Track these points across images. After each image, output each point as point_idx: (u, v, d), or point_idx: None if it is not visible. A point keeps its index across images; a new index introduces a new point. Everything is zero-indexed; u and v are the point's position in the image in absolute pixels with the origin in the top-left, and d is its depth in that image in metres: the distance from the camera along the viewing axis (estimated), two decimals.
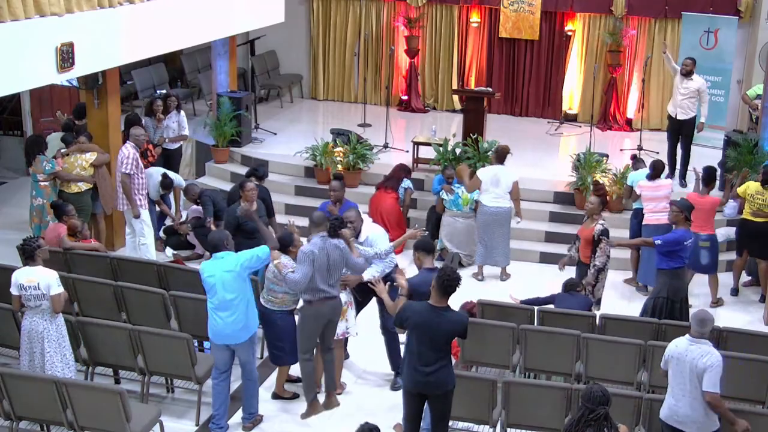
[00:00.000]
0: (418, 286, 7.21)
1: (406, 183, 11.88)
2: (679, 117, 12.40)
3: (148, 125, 11.69)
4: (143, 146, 10.70)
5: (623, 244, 9.94)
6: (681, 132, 12.46)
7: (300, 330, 7.70)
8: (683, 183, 12.30)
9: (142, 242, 10.39)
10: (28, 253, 7.32)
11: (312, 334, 7.64)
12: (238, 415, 7.84)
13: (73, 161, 10.54)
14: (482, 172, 10.79)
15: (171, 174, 11.24)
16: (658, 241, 8.73)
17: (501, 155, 10.86)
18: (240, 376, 8.00)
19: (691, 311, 8.84)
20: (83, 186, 10.63)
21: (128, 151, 10.23)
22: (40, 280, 7.16)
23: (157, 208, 11.14)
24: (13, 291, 7.29)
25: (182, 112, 12.28)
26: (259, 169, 10.55)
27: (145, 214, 10.40)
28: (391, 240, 8.68)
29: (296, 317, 8.12)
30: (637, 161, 11.24)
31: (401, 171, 11.98)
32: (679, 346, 6.46)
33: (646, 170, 10.69)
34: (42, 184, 10.46)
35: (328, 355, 7.84)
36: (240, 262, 7.33)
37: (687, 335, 6.49)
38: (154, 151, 11.50)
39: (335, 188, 9.31)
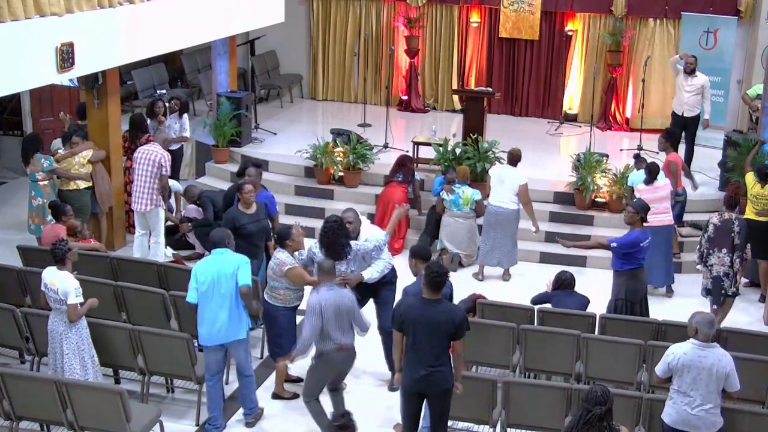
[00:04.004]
0: (416, 293, 7.21)
1: (416, 176, 11.96)
2: (686, 114, 12.69)
3: (149, 126, 11.71)
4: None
5: (578, 245, 9.92)
6: (686, 129, 12.67)
7: (309, 376, 7.39)
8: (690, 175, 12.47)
9: (156, 240, 10.46)
10: (59, 257, 7.24)
11: (320, 382, 7.36)
12: (237, 416, 7.86)
13: (70, 159, 10.56)
14: (492, 170, 10.96)
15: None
16: (614, 244, 8.73)
17: (511, 158, 10.83)
18: (235, 379, 8.01)
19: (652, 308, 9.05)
20: (81, 184, 10.65)
21: (166, 153, 10.43)
22: (60, 285, 7.15)
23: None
24: (41, 287, 7.32)
25: (185, 116, 12.31)
26: (247, 166, 9.88)
27: (162, 212, 10.47)
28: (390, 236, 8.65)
29: (299, 317, 8.14)
30: (639, 161, 11.23)
31: (409, 162, 11.99)
32: (688, 353, 6.41)
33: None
34: (41, 183, 10.47)
35: (337, 395, 7.53)
36: (240, 266, 7.31)
37: (691, 341, 6.45)
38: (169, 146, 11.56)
39: (250, 174, 9.58)
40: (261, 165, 10.10)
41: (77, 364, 7.25)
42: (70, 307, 7.15)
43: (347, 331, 7.24)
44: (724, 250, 9.36)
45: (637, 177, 10.74)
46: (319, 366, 7.28)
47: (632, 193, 10.76)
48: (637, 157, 11.59)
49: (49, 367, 7.40)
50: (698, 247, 9.65)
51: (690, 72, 12.64)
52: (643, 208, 8.81)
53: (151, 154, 10.30)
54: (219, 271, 7.30)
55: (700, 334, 6.43)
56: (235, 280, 7.31)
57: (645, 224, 9.41)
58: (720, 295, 9.50)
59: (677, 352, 6.47)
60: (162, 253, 10.50)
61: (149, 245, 10.57)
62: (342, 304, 7.14)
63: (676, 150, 11.60)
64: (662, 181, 10.48)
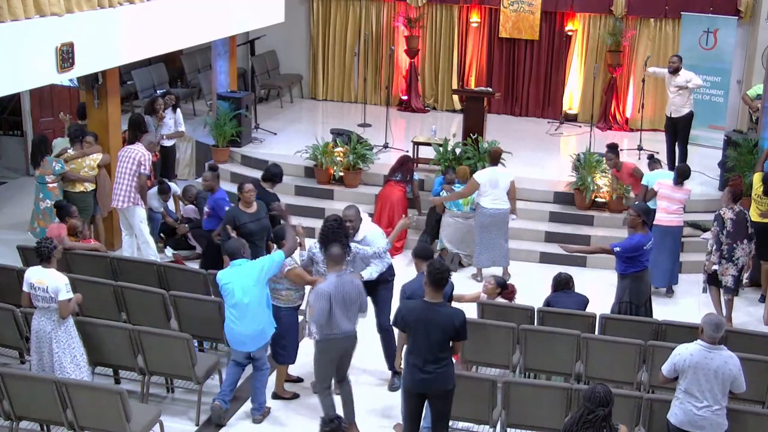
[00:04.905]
0: (413, 291, 7.22)
1: (415, 176, 12.00)
2: (673, 115, 12.60)
3: (150, 123, 11.74)
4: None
5: (581, 250, 10.01)
6: (676, 130, 12.60)
7: (316, 362, 7.48)
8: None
9: (144, 240, 10.42)
10: (45, 255, 7.25)
11: (328, 365, 7.43)
12: (241, 412, 7.90)
13: (80, 161, 10.58)
14: (480, 175, 10.74)
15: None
16: (617, 249, 8.75)
17: (495, 157, 10.86)
18: (242, 376, 8.03)
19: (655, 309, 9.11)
20: (89, 186, 10.69)
21: (147, 153, 10.43)
22: (49, 283, 7.14)
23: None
24: (24, 288, 7.30)
25: (179, 111, 12.33)
26: (277, 174, 10.02)
27: (141, 211, 10.43)
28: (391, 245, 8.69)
29: (300, 317, 8.16)
30: (653, 162, 11.31)
31: (409, 162, 12.03)
32: (694, 354, 6.41)
33: (662, 171, 10.90)
34: (50, 185, 10.47)
35: (344, 386, 7.59)
36: (261, 267, 7.40)
37: (698, 342, 6.45)
38: (156, 148, 11.57)
39: (207, 178, 10.04)
40: (217, 168, 10.46)
41: (68, 363, 7.24)
42: (62, 304, 7.14)
43: (352, 319, 7.36)
44: (745, 241, 9.59)
45: (653, 176, 10.76)
46: (323, 351, 7.36)
47: (646, 192, 10.73)
48: (651, 158, 11.65)
49: (34, 368, 7.34)
50: (713, 247, 9.68)
51: (673, 72, 12.50)
52: (645, 212, 8.82)
53: (132, 152, 10.34)
54: (241, 282, 7.37)
55: (706, 336, 6.42)
56: (260, 287, 7.38)
57: (655, 223, 9.48)
58: (739, 284, 9.74)
59: (683, 352, 6.46)
60: (154, 252, 10.46)
61: (138, 246, 10.54)
62: (350, 292, 7.26)
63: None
64: (688, 186, 10.59)
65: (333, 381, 7.55)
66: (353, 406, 7.58)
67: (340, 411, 7.55)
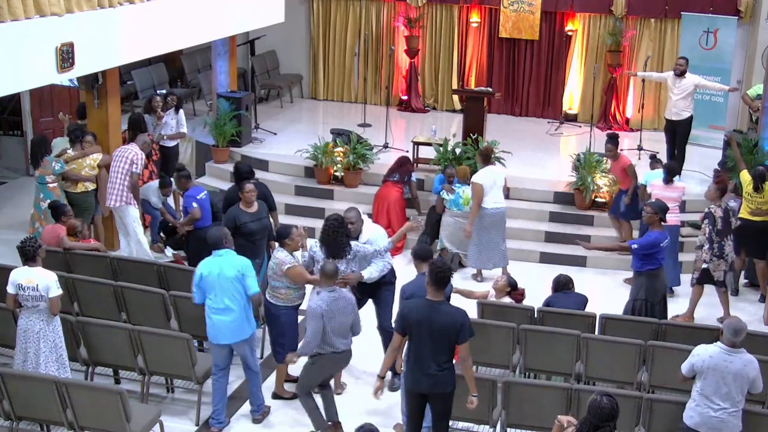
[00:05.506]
0: (413, 292, 7.22)
1: (413, 177, 12.02)
2: (673, 118, 12.55)
3: (148, 122, 11.73)
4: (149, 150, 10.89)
5: (597, 247, 10.02)
6: (675, 133, 12.60)
7: (305, 371, 7.46)
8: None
9: (138, 241, 10.41)
10: (30, 254, 7.27)
11: (314, 381, 7.46)
12: (241, 412, 7.91)
13: (81, 161, 10.58)
14: (481, 178, 10.62)
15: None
16: (634, 246, 8.78)
17: (486, 156, 10.83)
18: (239, 376, 8.04)
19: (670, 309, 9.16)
20: (89, 186, 10.70)
21: (141, 152, 10.42)
22: (39, 281, 7.14)
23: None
24: (10, 290, 7.26)
25: (181, 111, 12.33)
26: (250, 170, 9.86)
27: (134, 211, 10.42)
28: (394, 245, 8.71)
29: (300, 317, 8.15)
30: (655, 161, 11.34)
31: (408, 163, 12.04)
32: (714, 356, 6.42)
33: (660, 171, 10.83)
34: (51, 186, 10.47)
35: (327, 390, 7.61)
36: (242, 273, 7.37)
37: (718, 344, 6.48)
38: (155, 147, 11.56)
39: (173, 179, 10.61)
40: (184, 168, 10.62)
41: (53, 361, 7.24)
42: (53, 300, 7.15)
43: (346, 336, 7.32)
44: (730, 236, 9.67)
45: (652, 176, 10.78)
46: (316, 366, 7.35)
47: (645, 191, 10.75)
48: (653, 157, 11.66)
49: (18, 367, 7.32)
50: (707, 246, 9.68)
51: (679, 74, 12.45)
52: (661, 209, 8.84)
53: (126, 152, 10.34)
54: (221, 273, 7.35)
55: (725, 339, 6.44)
56: (238, 282, 7.36)
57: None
58: (732, 278, 9.85)
59: (702, 353, 6.47)
60: (147, 252, 10.43)
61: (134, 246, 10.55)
62: (344, 308, 7.21)
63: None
64: (679, 183, 10.58)
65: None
66: (335, 406, 7.60)
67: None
